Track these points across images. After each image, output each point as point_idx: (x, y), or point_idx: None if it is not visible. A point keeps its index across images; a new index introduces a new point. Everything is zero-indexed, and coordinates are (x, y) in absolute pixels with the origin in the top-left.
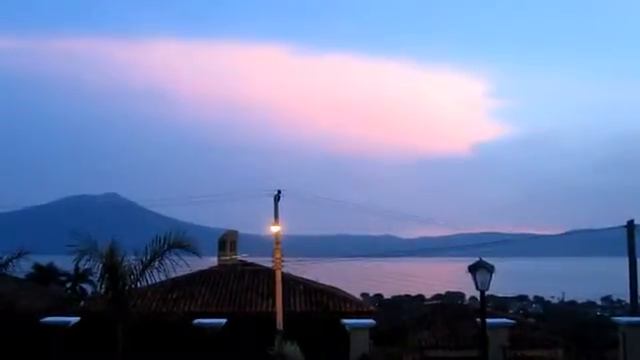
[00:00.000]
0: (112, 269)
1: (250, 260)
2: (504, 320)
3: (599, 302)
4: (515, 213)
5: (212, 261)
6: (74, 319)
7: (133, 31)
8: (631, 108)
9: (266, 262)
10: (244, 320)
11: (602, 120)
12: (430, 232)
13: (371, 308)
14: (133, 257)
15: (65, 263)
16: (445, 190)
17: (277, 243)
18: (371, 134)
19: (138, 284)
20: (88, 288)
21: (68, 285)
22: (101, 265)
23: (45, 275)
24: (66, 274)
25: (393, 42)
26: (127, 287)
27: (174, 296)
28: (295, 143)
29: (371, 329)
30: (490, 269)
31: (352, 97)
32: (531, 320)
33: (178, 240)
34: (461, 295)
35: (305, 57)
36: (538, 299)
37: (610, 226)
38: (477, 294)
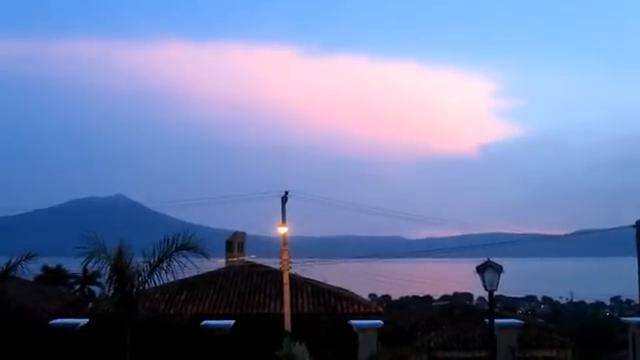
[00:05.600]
0: (120, 271)
1: (258, 261)
2: (513, 321)
3: (608, 302)
4: (523, 213)
5: (220, 262)
6: (82, 321)
7: (142, 33)
8: None
9: (274, 263)
10: (252, 321)
11: (610, 119)
12: (438, 233)
13: (379, 309)
14: (141, 259)
15: (73, 265)
16: (453, 190)
17: (285, 244)
18: (379, 135)
19: (146, 286)
20: (96, 290)
21: (76, 287)
22: (109, 267)
23: (53, 277)
24: (74, 276)
25: (401, 43)
26: (135, 289)
27: (182, 297)
28: (303, 144)
29: (379, 330)
30: (498, 269)
31: (360, 98)
32: (540, 321)
33: (186, 241)
34: (469, 296)
35: (314, 58)
36: (547, 299)
37: (619, 226)
38: (485, 295)
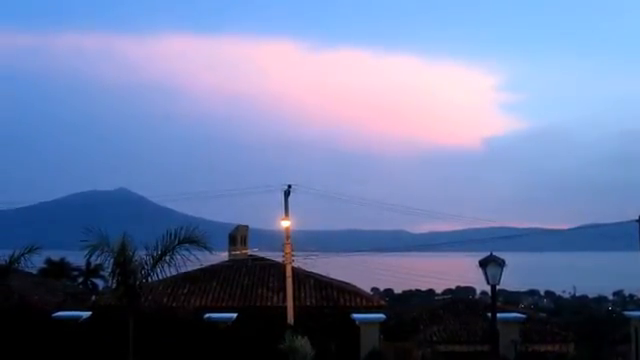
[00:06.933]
0: (123, 264)
1: (261, 255)
2: (515, 315)
3: (610, 297)
4: (525, 207)
5: (223, 256)
6: (86, 314)
7: (145, 26)
8: None
9: (276, 257)
10: (255, 315)
11: (612, 114)
12: (440, 227)
13: (381, 302)
14: (144, 252)
15: (77, 258)
16: (455, 184)
17: (287, 238)
18: (382, 129)
19: (149, 279)
20: (99, 283)
21: (80, 280)
22: (112, 260)
23: (57, 270)
24: (78, 269)
25: (404, 36)
26: (138, 282)
27: (185, 291)
28: (305, 137)
29: (381, 324)
30: (501, 263)
31: (362, 91)
32: (542, 315)
33: (189, 235)
34: (472, 290)
35: (318, 52)
36: (549, 294)
37: (622, 220)
38: (488, 289)
